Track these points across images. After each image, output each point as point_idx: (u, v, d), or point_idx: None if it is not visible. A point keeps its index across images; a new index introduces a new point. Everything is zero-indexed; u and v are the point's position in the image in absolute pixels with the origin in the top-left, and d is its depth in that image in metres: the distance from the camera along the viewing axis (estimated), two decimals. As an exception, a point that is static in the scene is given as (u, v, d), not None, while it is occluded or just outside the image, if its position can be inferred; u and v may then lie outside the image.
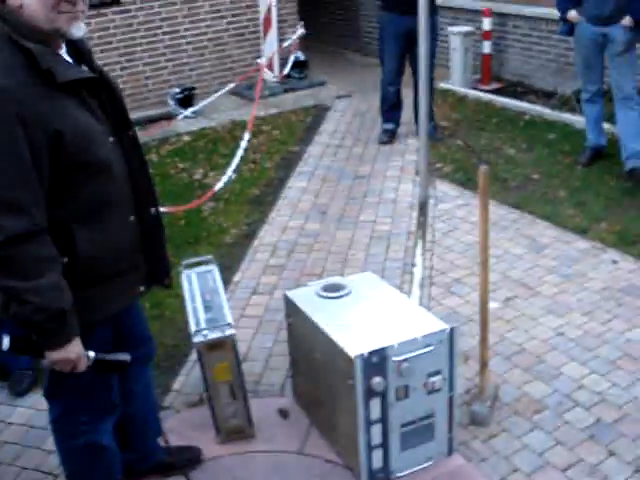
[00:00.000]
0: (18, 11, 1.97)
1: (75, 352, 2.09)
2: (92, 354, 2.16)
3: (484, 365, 3.16)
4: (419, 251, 4.66)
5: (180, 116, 7.86)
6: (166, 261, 2.49)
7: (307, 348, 3.04)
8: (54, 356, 2.07)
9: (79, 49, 2.19)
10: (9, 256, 1.92)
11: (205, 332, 2.89)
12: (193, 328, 2.93)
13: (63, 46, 2.12)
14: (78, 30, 2.05)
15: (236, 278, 4.48)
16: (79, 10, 2.04)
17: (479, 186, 2.92)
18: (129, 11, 8.08)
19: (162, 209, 4.95)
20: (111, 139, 2.15)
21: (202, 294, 3.19)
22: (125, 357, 2.25)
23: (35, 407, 3.40)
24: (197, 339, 2.87)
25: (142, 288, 2.39)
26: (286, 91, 8.62)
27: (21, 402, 3.48)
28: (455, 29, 8.30)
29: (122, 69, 8.12)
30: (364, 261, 4.58)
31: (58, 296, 2.00)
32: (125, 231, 2.24)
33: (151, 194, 2.38)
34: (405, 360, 2.65)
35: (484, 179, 2.89)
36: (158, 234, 2.42)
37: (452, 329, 2.76)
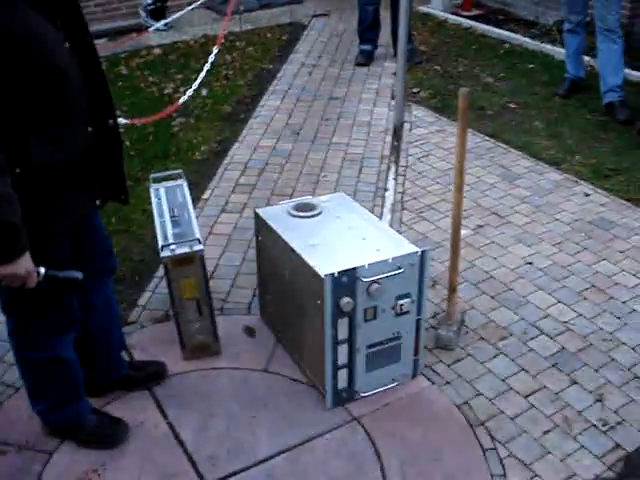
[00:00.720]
0: None
1: (24, 267, 2.00)
2: (43, 270, 2.07)
3: (453, 290, 3.15)
4: (392, 175, 4.60)
5: (151, 28, 7.58)
6: (123, 175, 2.41)
7: (276, 266, 3.00)
8: (1, 271, 1.97)
9: None
10: None
11: (173, 247, 2.82)
12: (161, 243, 2.86)
13: None
14: None
15: (205, 195, 4.40)
16: None
17: (459, 108, 2.84)
18: None
19: (126, 121, 4.86)
20: (67, 45, 2.03)
21: (170, 209, 3.11)
22: (77, 275, 2.15)
23: (-4, 318, 3.34)
24: (164, 254, 2.81)
25: (98, 202, 2.32)
26: (262, 7, 8.37)
27: (-19, 312, 3.42)
28: (438, -50, 8.08)
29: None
30: (336, 183, 4.51)
31: (7, 209, 1.90)
32: (81, 141, 2.14)
33: (108, 105, 2.26)
34: (375, 281, 2.62)
35: (464, 101, 2.82)
36: (115, 146, 2.33)
37: (423, 252, 2.72)
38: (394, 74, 6.15)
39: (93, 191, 2.27)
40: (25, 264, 2.00)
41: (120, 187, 2.39)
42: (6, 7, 1.84)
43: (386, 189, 4.42)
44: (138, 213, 4.17)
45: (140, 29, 7.54)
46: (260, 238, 3.14)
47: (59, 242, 2.21)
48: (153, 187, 3.31)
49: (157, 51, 7.06)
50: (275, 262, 3.01)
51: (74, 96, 2.08)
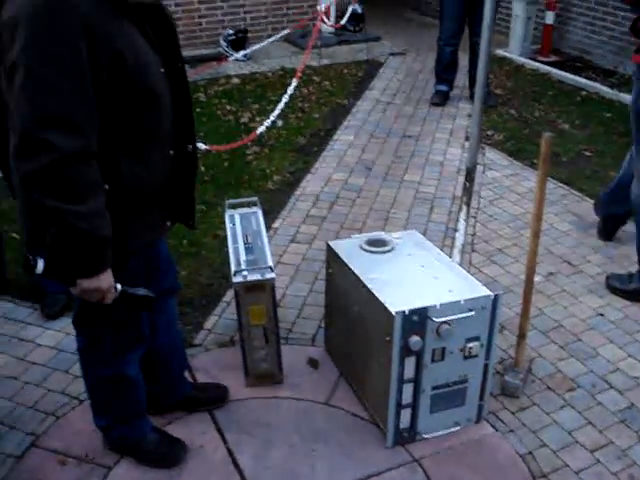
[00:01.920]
0: None
1: (107, 282, 2.05)
2: (119, 287, 2.11)
3: (522, 337, 3.10)
4: (463, 216, 4.56)
5: (231, 58, 7.77)
6: (193, 200, 2.44)
7: (345, 300, 3.00)
8: (85, 284, 2.02)
9: None
10: (58, 175, 1.84)
11: (245, 273, 2.85)
12: (233, 268, 2.90)
13: None
14: None
15: (275, 225, 4.44)
16: None
17: (541, 153, 2.83)
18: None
19: (206, 147, 4.95)
20: (162, 70, 2.09)
21: (244, 235, 3.15)
22: (151, 294, 2.20)
23: (65, 331, 3.41)
24: (237, 279, 2.84)
25: (169, 223, 2.36)
26: (340, 43, 8.48)
27: (52, 325, 3.50)
28: (519, -4, 8.08)
29: (177, 5, 8.03)
30: (406, 221, 4.51)
31: (102, 223, 1.95)
32: (164, 164, 2.19)
33: (191, 130, 2.31)
34: (445, 322, 2.60)
35: (546, 146, 2.80)
36: (191, 171, 2.37)
37: (496, 296, 2.70)
38: (469, 115, 6.15)
39: (167, 213, 2.32)
40: (108, 279, 2.05)
41: (189, 211, 2.44)
42: (121, 28, 1.91)
43: (456, 230, 4.38)
44: (209, 237, 4.23)
45: (220, 58, 7.73)
46: (330, 270, 3.14)
47: (134, 260, 2.25)
48: (228, 213, 3.36)
49: (235, 80, 7.20)
50: (344, 295, 3.01)
51: (164, 120, 2.13)
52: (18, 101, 1.82)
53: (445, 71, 6.63)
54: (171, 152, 2.22)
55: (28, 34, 1.78)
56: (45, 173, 1.83)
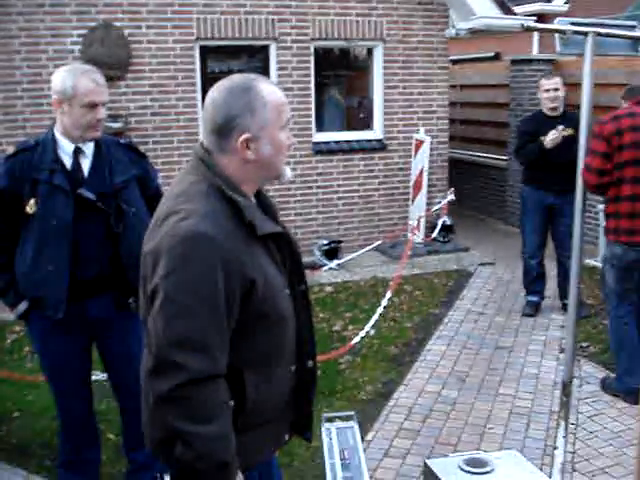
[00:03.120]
0: (226, 165, 2.13)
1: None
2: None
3: None
4: (561, 433, 4.44)
5: (325, 267, 8.08)
6: (311, 414, 2.50)
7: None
8: None
9: (265, 203, 2.34)
10: (187, 397, 1.95)
11: (342, 492, 2.83)
12: (330, 485, 2.88)
13: (253, 199, 2.27)
14: (289, 173, 2.27)
15: (369, 437, 4.42)
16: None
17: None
18: (287, 163, 8.53)
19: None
20: (287, 291, 2.24)
21: (341, 451, 3.15)
22: None
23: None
24: (333, 498, 2.82)
25: (287, 437, 2.41)
26: (430, 253, 8.72)
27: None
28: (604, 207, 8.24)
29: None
30: (502, 437, 4.41)
31: (223, 447, 2.00)
32: (285, 380, 2.28)
33: (312, 347, 2.42)
34: None
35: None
36: (310, 386, 2.45)
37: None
38: (562, 326, 6.13)
39: (285, 427, 2.37)
40: None
41: (307, 424, 2.48)
42: (253, 257, 2.08)
43: (555, 447, 4.26)
44: (302, 448, 4.22)
45: (314, 267, 8.03)
46: (428, 490, 3.08)
47: (251, 475, 2.28)
48: (325, 426, 3.38)
49: (328, 289, 7.44)
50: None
51: (289, 338, 2.26)
52: (155, 323, 1.99)
53: (534, 282, 6.69)
54: (292, 368, 2.32)
55: (169, 264, 1.98)
56: (175, 393, 1.95)
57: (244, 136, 2.10)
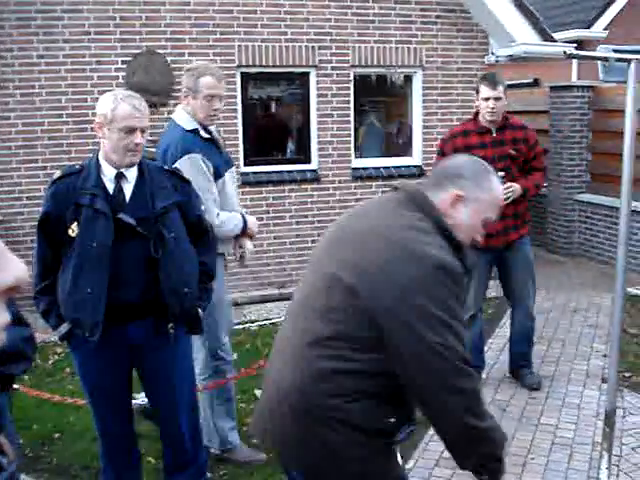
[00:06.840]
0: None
1: None
2: None
3: None
4: (604, 465, 4.35)
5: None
6: None
7: None
8: None
9: None
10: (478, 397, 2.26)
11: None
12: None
13: None
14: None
15: (409, 465, 4.36)
16: None
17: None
18: (327, 189, 8.59)
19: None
20: None
21: None
22: None
23: None
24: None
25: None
26: (468, 280, 8.64)
27: None
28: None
29: (312, 242, 8.51)
30: (544, 467, 4.33)
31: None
32: None
33: None
34: None
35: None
36: None
37: None
38: (604, 356, 6.03)
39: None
40: None
41: None
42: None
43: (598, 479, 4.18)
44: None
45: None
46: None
47: None
48: None
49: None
50: None
51: None
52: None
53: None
54: None
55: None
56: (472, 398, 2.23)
57: None
